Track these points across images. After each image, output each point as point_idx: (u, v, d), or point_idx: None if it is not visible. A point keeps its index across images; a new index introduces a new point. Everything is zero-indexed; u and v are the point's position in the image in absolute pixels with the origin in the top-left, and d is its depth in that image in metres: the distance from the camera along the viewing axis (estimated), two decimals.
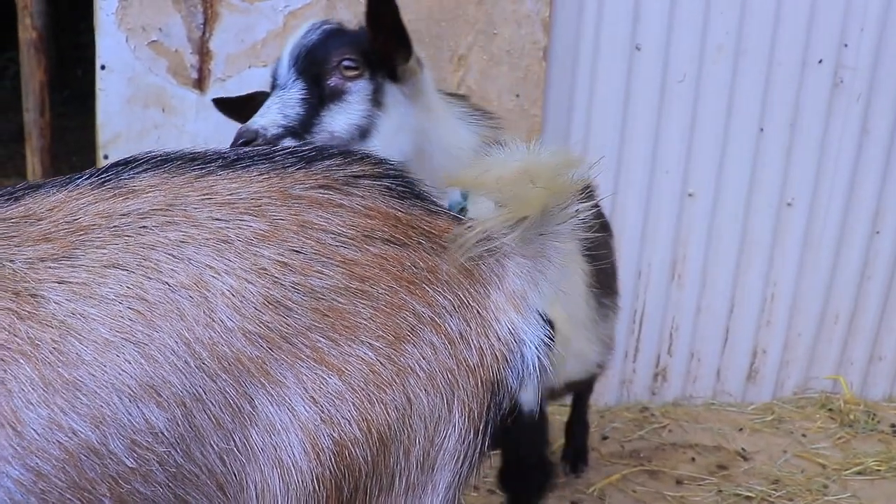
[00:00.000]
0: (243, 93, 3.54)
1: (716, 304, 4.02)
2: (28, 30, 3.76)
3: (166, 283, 1.20)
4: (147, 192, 1.28)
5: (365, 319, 1.26)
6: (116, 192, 1.29)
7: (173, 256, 1.23)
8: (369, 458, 1.26)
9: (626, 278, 3.64)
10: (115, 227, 1.24)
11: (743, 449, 3.57)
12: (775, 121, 3.83)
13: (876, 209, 3.97)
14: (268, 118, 1.97)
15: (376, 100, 2.09)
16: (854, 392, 4.08)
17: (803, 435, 3.72)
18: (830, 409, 3.95)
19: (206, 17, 3.47)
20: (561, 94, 3.71)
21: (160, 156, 1.36)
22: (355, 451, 1.24)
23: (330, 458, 1.23)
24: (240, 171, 1.33)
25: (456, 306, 1.32)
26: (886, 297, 4.11)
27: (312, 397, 1.22)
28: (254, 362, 1.21)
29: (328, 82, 2.07)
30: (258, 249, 1.24)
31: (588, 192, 3.05)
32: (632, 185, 3.81)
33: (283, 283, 1.23)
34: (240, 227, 1.26)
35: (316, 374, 1.23)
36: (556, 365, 2.45)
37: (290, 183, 1.32)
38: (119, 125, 3.48)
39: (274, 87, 2.12)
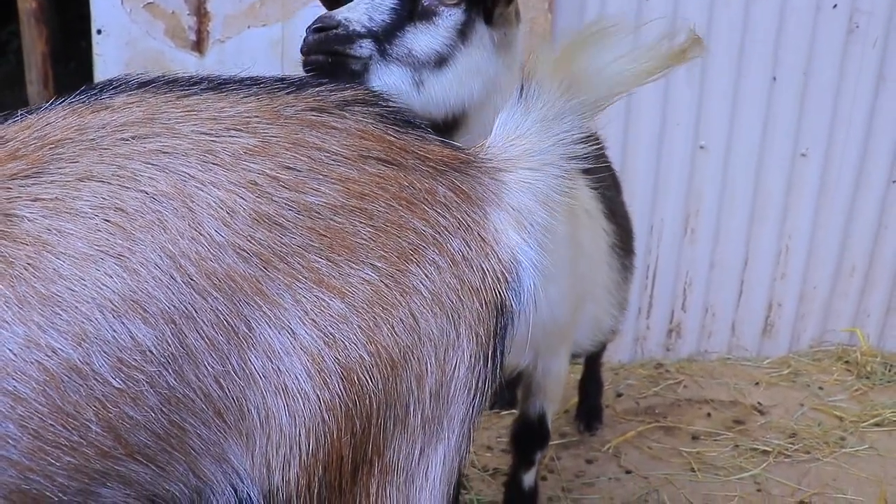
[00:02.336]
0: (244, 50, 3.49)
1: (730, 258, 3.95)
2: (28, 0, 3.69)
3: (145, 191, 1.14)
4: (125, 108, 1.22)
5: (365, 239, 1.21)
6: (91, 108, 1.23)
7: (152, 165, 1.16)
8: (380, 385, 1.21)
9: (639, 234, 3.57)
10: (89, 139, 1.18)
11: (759, 403, 3.53)
12: (788, 68, 3.73)
13: (892, 158, 3.89)
14: (354, 13, 1.84)
15: (464, 33, 2.00)
16: (871, 344, 4.03)
17: (820, 388, 3.68)
18: (847, 362, 3.90)
19: None
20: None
21: (140, 78, 1.30)
22: (365, 377, 1.20)
23: (338, 384, 1.19)
24: (226, 93, 1.28)
25: (456, 227, 1.29)
26: None
27: (313, 320, 1.17)
28: (248, 281, 1.15)
29: (424, 1, 1.95)
30: (247, 164, 1.18)
31: (597, 142, 3.03)
32: (642, 138, 3.73)
33: (276, 198, 1.17)
34: (227, 141, 1.19)
35: (315, 296, 1.17)
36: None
37: (281, 104, 1.26)
38: None
39: None
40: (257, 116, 1.23)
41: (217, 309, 1.14)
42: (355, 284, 1.19)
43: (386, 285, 1.21)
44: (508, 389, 3.26)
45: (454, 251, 1.27)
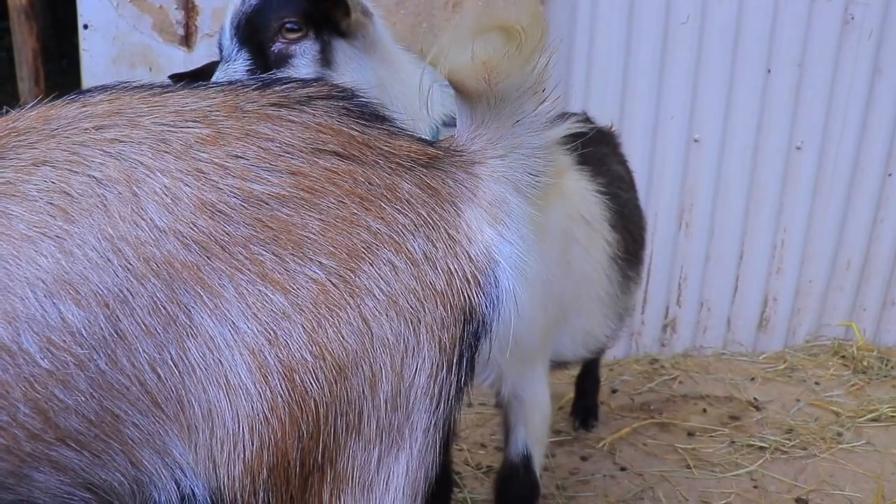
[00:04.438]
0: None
1: (725, 253, 3.92)
2: None
3: (92, 176, 1.13)
4: (96, 104, 1.22)
5: (313, 233, 1.17)
6: (65, 102, 1.24)
7: (105, 152, 1.15)
8: (326, 389, 1.17)
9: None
10: (52, 129, 1.18)
11: (755, 399, 3.50)
12: (783, 61, 3.69)
13: (888, 151, 3.86)
14: None
15: (325, 59, 1.97)
16: (867, 338, 4.00)
17: (816, 383, 3.65)
18: (843, 357, 3.88)
19: None
20: (561, 39, 3.58)
21: (128, 82, 1.30)
22: (308, 379, 1.16)
23: (279, 384, 1.15)
24: (197, 90, 1.28)
25: (418, 225, 1.23)
26: None
27: (255, 314, 1.14)
28: (188, 269, 1.13)
29: (272, 48, 1.95)
30: (197, 152, 1.17)
31: (615, 138, 2.97)
32: (636, 131, 3.69)
33: (221, 186, 1.15)
34: (182, 131, 1.18)
35: (258, 289, 1.14)
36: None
37: (243, 100, 1.25)
38: None
39: (221, 59, 1.99)
40: (217, 110, 1.21)
41: (154, 295, 1.11)
42: (300, 281, 1.16)
43: (333, 284, 1.17)
44: None
45: (415, 251, 1.22)
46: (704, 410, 3.40)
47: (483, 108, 1.32)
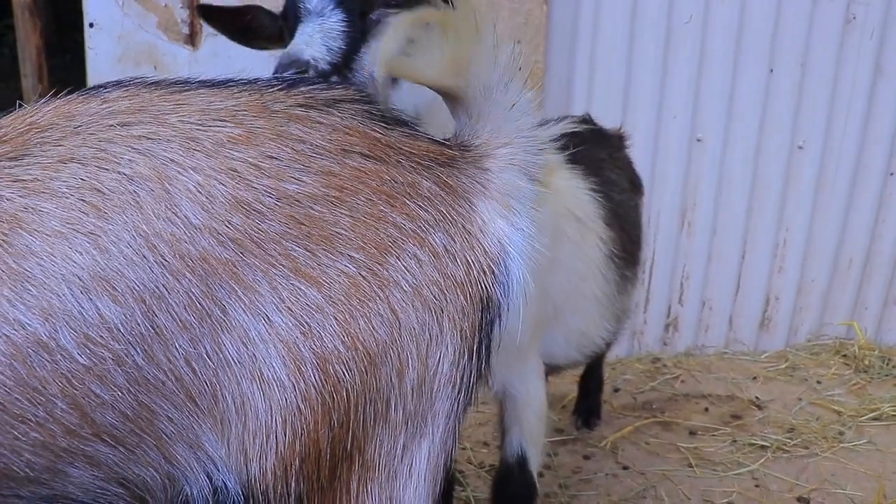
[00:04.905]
0: (236, 48, 3.45)
1: (727, 252, 3.93)
2: None
3: (123, 173, 1.14)
4: (116, 101, 1.24)
5: (344, 230, 1.20)
6: (83, 99, 1.25)
7: (133, 149, 1.16)
8: (357, 378, 1.21)
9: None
10: (75, 126, 1.19)
11: (757, 398, 3.51)
12: (785, 60, 3.70)
13: (890, 150, 3.86)
14: (316, 49, 1.79)
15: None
16: (868, 337, 4.01)
17: (818, 382, 3.66)
18: (845, 356, 3.89)
19: None
20: (563, 40, 3.60)
21: (141, 78, 1.32)
22: (340, 369, 1.19)
23: (313, 375, 1.18)
24: (218, 89, 1.29)
25: (439, 220, 1.28)
26: None
27: (289, 308, 1.17)
28: (223, 265, 1.15)
29: (372, 16, 1.88)
30: (230, 151, 1.19)
31: (621, 141, 2.97)
32: (638, 131, 3.69)
33: (256, 186, 1.18)
34: (211, 130, 1.20)
35: (292, 284, 1.17)
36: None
37: (270, 99, 1.27)
38: None
39: (297, 8, 1.91)
40: (245, 110, 1.23)
41: (190, 291, 1.13)
42: (332, 275, 1.19)
43: (364, 277, 1.20)
44: None
45: (436, 245, 1.26)
46: (706, 409, 3.41)
47: (473, 101, 1.37)
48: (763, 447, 3.11)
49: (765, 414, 3.38)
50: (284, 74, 1.67)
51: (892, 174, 3.91)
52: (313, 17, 1.87)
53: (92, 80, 3.37)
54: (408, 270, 1.23)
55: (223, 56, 3.42)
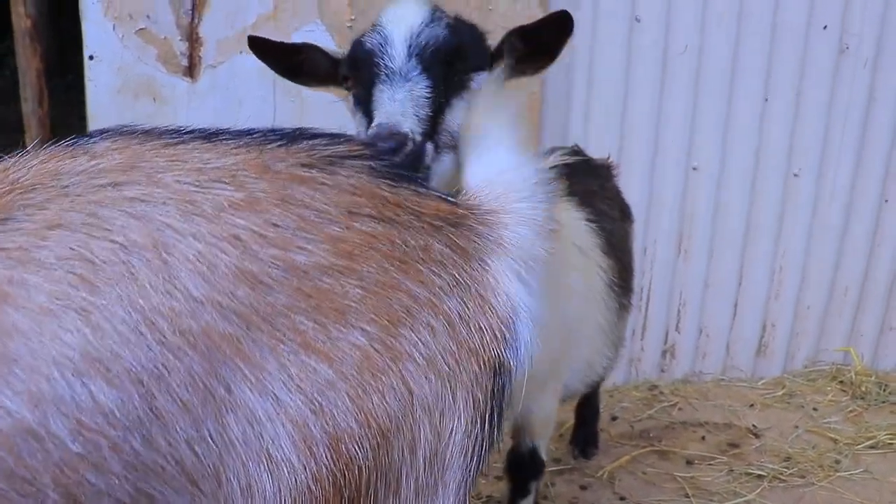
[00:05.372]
0: (236, 75, 3.49)
1: (724, 279, 3.95)
2: (22, 18, 3.67)
3: (116, 241, 1.06)
4: (105, 155, 1.16)
5: (355, 301, 1.15)
6: (70, 153, 1.16)
7: (127, 213, 1.08)
8: (370, 455, 1.15)
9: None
10: (62, 185, 1.10)
11: (754, 426, 3.52)
12: (780, 89, 3.74)
13: (884, 177, 3.90)
14: (411, 119, 1.75)
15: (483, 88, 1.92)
16: (865, 363, 4.02)
17: (814, 409, 3.67)
18: (842, 382, 3.90)
19: (194, 2, 3.39)
20: (559, 69, 3.62)
21: (129, 127, 1.26)
22: (353, 447, 1.13)
23: (325, 454, 1.12)
24: (215, 143, 1.23)
25: (452, 286, 1.23)
26: None
27: (299, 386, 1.10)
28: (227, 341, 1.07)
29: (455, 79, 1.87)
30: (231, 217, 1.11)
31: (609, 171, 3.01)
32: (635, 159, 3.73)
33: (261, 256, 1.11)
34: (211, 191, 1.12)
35: (302, 360, 1.11)
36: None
37: (271, 158, 1.21)
38: (109, 117, 3.41)
39: (375, 65, 1.88)
40: (245, 170, 1.18)
41: (192, 369, 1.06)
42: (344, 349, 1.13)
43: (376, 350, 1.15)
44: None
45: (450, 312, 1.22)
46: (703, 438, 3.42)
47: (484, 156, 1.37)
48: (760, 476, 3.12)
49: (762, 442, 3.39)
50: (382, 146, 1.62)
51: (886, 201, 3.94)
52: (399, 81, 1.83)
53: (92, 112, 3.40)
54: (421, 341, 1.18)
55: (222, 88, 3.45)
